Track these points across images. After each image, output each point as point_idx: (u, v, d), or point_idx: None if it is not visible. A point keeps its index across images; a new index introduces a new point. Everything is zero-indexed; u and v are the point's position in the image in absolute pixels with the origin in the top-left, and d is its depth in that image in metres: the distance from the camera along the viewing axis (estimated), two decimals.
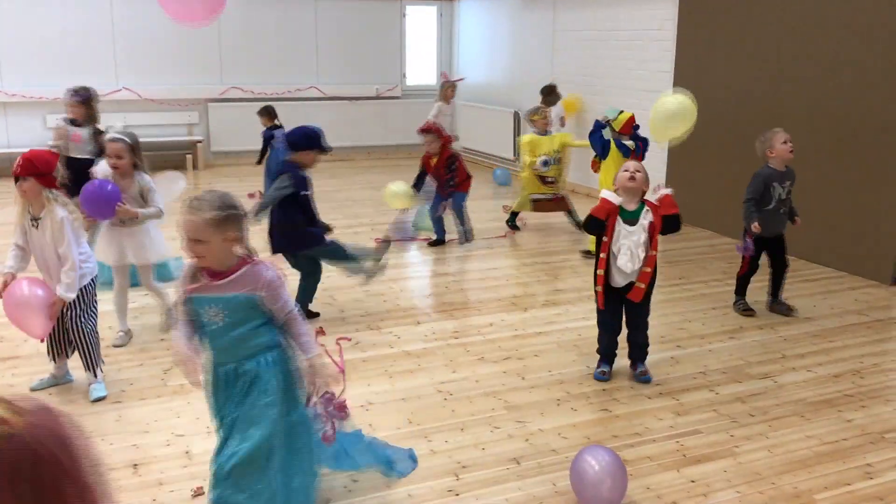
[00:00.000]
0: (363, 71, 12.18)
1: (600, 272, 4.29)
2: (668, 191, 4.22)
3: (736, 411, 4.08)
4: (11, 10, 10.17)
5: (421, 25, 12.64)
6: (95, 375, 4.20)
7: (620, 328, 4.49)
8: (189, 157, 11.00)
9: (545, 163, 7.38)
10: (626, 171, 4.24)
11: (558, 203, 7.69)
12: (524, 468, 3.50)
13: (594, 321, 5.39)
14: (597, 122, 6.71)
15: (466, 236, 7.35)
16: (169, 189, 5.51)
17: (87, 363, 4.18)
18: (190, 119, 11.29)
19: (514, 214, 7.93)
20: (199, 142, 11.15)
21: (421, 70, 12.81)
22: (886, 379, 4.50)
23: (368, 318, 5.38)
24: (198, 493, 3.26)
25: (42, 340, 4.16)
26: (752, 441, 3.77)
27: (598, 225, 4.24)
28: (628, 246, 4.18)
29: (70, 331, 4.12)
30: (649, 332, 4.50)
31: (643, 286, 4.26)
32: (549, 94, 9.14)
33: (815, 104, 6.64)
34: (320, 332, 4.98)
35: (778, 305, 5.55)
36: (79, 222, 4.06)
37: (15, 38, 10.23)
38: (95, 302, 4.20)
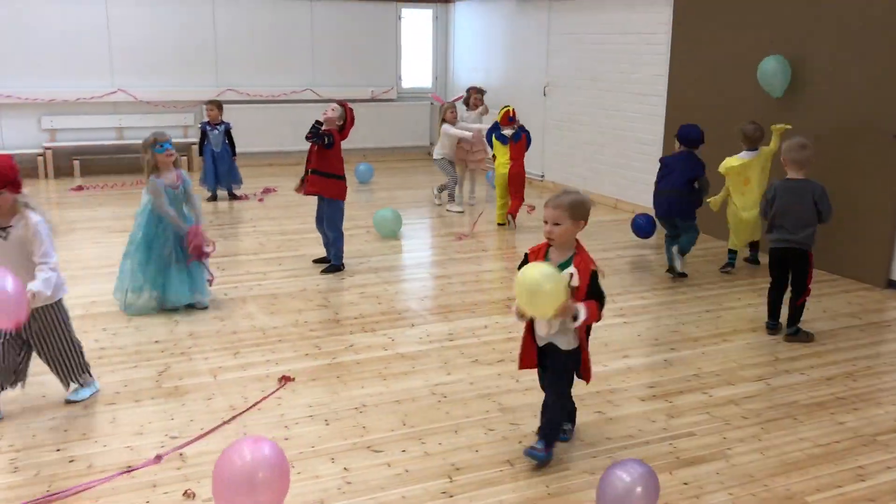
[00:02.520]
0: (359, 73, 12.19)
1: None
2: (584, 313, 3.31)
3: (729, 413, 4.09)
4: (7, 11, 10.15)
5: (416, 28, 12.65)
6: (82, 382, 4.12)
7: None
8: (185, 158, 10.98)
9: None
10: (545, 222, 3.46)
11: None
12: (518, 470, 3.50)
13: None
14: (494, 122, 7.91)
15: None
16: None
17: (70, 374, 4.06)
18: (185, 121, 11.29)
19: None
20: (195, 143, 11.13)
21: (416, 72, 12.82)
22: (879, 382, 4.52)
23: (363, 319, 5.38)
24: (189, 495, 3.26)
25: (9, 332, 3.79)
26: (744, 443, 3.78)
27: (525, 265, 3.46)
28: None
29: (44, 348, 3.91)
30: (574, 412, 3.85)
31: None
32: (478, 93, 9.22)
33: (807, 108, 6.67)
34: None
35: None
36: (52, 224, 3.81)
37: (10, 39, 10.22)
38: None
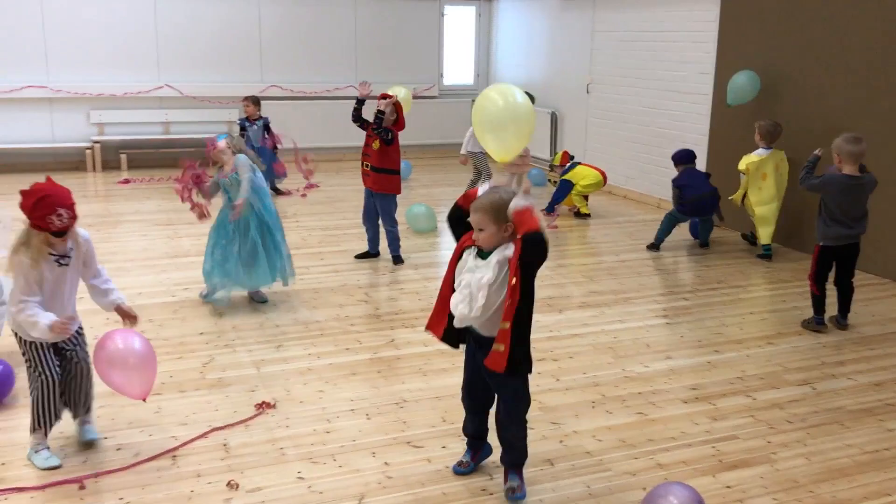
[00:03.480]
0: (401, 70, 12.22)
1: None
2: (525, 203, 2.95)
3: (773, 417, 4.03)
4: (58, 7, 10.36)
5: (459, 25, 12.65)
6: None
7: (484, 404, 3.36)
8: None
9: None
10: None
11: None
12: (558, 470, 3.49)
13: (631, 324, 5.38)
14: None
15: None
16: None
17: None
18: (230, 116, 11.42)
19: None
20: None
21: (458, 70, 12.81)
22: None
23: (403, 315, 5.40)
24: (232, 486, 3.30)
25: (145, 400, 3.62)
26: (789, 448, 3.73)
27: (455, 218, 3.16)
28: (467, 282, 3.03)
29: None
30: (535, 440, 3.57)
31: (502, 349, 2.99)
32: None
33: (865, 105, 6.53)
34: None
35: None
36: None
37: (61, 35, 10.43)
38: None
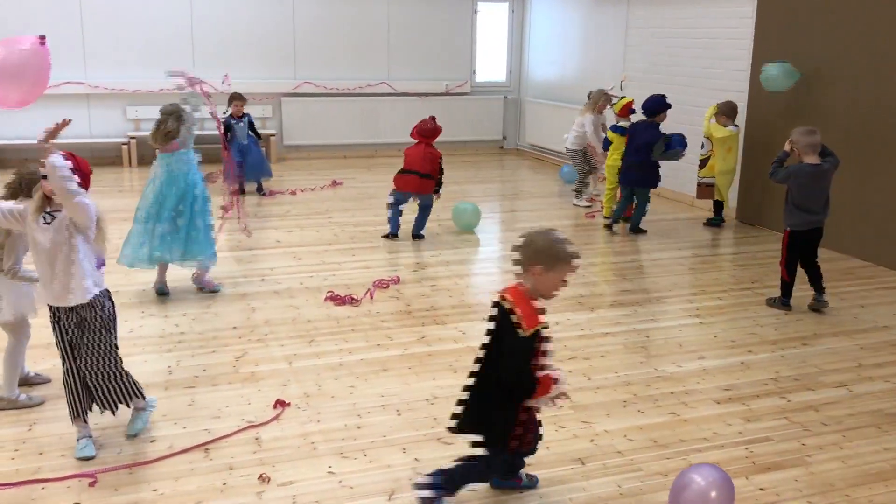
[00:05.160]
0: (433, 67, 12.23)
1: None
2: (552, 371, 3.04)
3: (808, 419, 3.98)
4: (96, 5, 10.51)
5: (492, 21, 12.62)
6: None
7: None
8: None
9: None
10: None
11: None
12: (589, 469, 3.47)
13: (663, 323, 5.35)
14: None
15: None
16: None
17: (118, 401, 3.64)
18: (264, 113, 11.51)
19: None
20: (273, 135, 11.35)
21: (490, 66, 12.78)
22: None
23: (434, 312, 5.40)
24: (264, 479, 3.33)
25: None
26: (824, 451, 3.67)
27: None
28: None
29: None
30: None
31: None
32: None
33: None
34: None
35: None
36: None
37: (99, 32, 10.58)
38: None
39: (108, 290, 3.57)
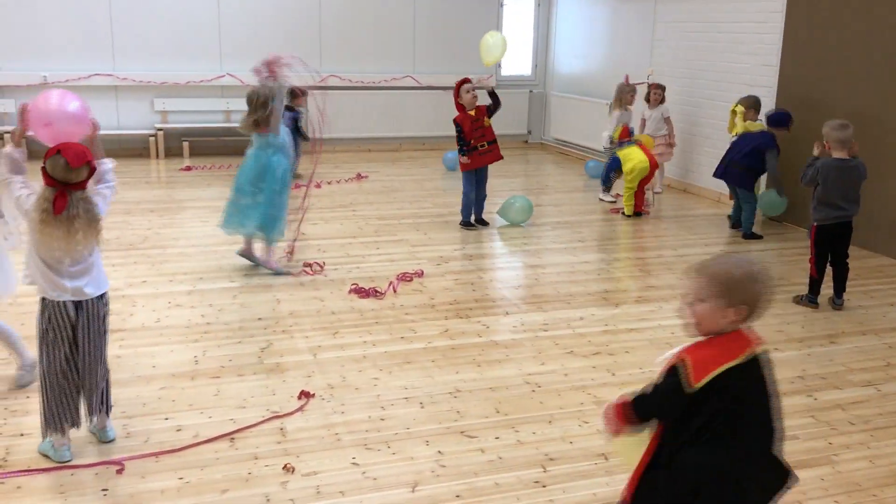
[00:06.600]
0: (458, 60, 12.18)
1: None
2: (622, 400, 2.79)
3: (835, 418, 3.94)
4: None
5: (518, 15, 12.57)
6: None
7: None
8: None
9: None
10: None
11: None
12: (612, 464, 3.46)
13: None
14: None
15: None
16: None
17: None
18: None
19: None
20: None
21: (515, 60, 12.73)
22: None
23: (457, 306, 5.41)
24: (289, 469, 3.36)
25: None
26: (851, 450, 3.64)
27: None
28: None
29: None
30: None
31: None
32: (658, 88, 8.98)
33: None
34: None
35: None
36: None
37: (127, 24, 10.66)
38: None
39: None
